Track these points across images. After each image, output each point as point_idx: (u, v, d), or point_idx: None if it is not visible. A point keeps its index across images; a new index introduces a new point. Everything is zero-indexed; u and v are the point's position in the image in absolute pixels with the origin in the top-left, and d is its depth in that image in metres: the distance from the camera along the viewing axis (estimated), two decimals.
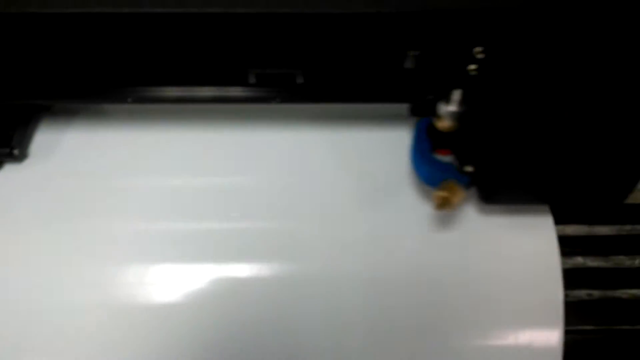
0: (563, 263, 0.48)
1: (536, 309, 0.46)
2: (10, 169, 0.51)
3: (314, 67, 0.49)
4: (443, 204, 0.40)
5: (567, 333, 0.47)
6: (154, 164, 0.52)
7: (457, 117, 0.41)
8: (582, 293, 0.50)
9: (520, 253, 0.47)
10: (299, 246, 0.48)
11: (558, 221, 0.49)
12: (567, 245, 0.53)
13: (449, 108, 0.41)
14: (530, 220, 0.47)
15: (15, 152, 0.50)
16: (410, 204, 0.48)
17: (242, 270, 0.47)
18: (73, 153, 0.52)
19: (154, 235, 0.48)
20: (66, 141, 0.53)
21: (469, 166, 0.42)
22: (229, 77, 0.49)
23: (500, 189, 0.45)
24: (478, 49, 0.39)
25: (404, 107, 0.51)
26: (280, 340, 0.46)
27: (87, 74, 0.46)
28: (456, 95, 0.41)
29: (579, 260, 0.51)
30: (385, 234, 0.48)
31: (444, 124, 0.41)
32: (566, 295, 0.47)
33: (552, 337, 0.45)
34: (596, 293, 0.51)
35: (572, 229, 0.51)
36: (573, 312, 0.49)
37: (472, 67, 0.39)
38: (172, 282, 0.47)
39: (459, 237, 0.47)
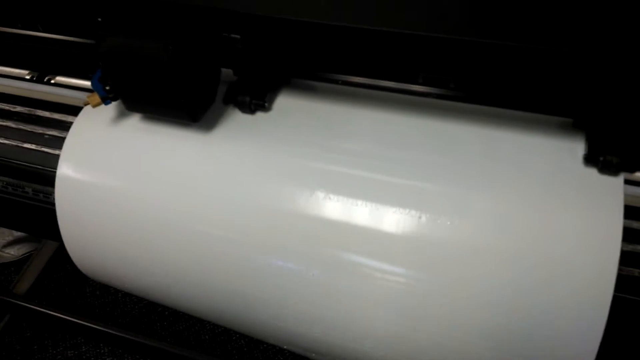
0: (624, 246, 0.63)
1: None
2: (260, 115, 0.79)
3: (463, 77, 0.71)
4: (86, 102, 0.73)
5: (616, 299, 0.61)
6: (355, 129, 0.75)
7: None
8: (635, 271, 0.64)
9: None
10: None
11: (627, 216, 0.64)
12: (632, 236, 0.67)
13: None
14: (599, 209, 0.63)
15: (267, 105, 0.78)
16: None
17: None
18: (298, 112, 0.79)
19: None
20: (295, 105, 0.80)
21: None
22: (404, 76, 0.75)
23: None
24: None
25: None
26: None
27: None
28: None
29: (639, 248, 0.65)
30: None
31: None
32: (621, 270, 0.62)
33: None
34: None
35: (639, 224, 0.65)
36: (624, 283, 0.64)
37: None
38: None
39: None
